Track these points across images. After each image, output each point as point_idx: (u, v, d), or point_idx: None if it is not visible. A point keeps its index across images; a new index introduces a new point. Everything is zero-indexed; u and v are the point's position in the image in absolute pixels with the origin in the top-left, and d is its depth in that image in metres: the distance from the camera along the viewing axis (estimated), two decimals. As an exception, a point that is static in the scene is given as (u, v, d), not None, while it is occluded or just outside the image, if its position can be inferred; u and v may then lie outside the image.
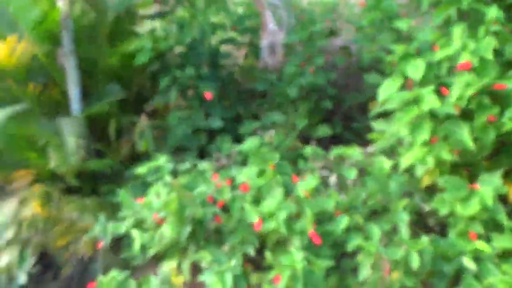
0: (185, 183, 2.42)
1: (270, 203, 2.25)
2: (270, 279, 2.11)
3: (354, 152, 2.53)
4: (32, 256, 2.94)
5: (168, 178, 2.59)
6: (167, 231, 2.44)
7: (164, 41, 2.98)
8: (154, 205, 2.40)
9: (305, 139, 3.43)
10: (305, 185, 2.27)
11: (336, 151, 2.65)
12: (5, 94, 2.88)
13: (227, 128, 3.28)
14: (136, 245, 2.55)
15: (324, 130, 3.31)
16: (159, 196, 2.39)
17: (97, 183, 3.13)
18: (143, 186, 3.02)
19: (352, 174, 2.38)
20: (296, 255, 2.03)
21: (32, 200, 2.85)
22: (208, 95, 3.05)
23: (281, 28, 3.28)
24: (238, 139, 3.33)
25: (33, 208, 2.81)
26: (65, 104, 3.14)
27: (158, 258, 2.86)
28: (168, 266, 2.72)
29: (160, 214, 2.47)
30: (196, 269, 2.83)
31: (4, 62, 2.77)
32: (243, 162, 2.98)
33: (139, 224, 2.72)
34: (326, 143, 3.43)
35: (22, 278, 2.88)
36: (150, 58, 3.25)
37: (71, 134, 2.85)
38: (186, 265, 2.67)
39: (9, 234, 2.75)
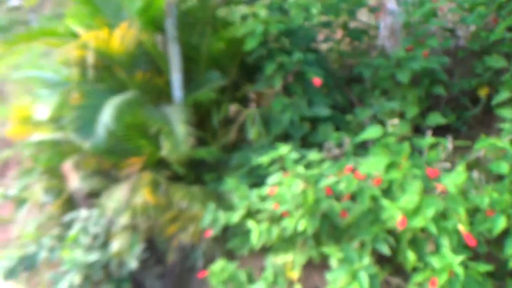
0: (314, 174, 2.27)
1: (411, 198, 2.06)
2: (417, 282, 1.94)
3: (506, 145, 2.20)
4: (141, 242, 2.96)
5: (300, 169, 2.41)
6: (290, 224, 2.32)
7: (274, 25, 2.80)
8: (286, 197, 2.26)
9: (414, 129, 3.17)
10: (452, 179, 2.05)
11: (481, 143, 2.30)
12: (114, 82, 2.84)
13: (329, 117, 3.09)
14: (254, 237, 2.46)
15: (436, 119, 3.03)
16: (289, 188, 2.26)
17: (200, 171, 3.07)
18: (251, 175, 2.93)
19: (503, 167, 2.10)
20: (451, 258, 1.84)
21: (142, 187, 2.83)
22: (317, 81, 2.85)
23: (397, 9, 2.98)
24: (337, 129, 3.14)
25: (144, 195, 2.79)
26: (167, 92, 3.07)
27: (263, 250, 2.77)
28: (281, 260, 2.62)
29: (284, 206, 2.37)
30: (306, 264, 2.71)
31: (115, 50, 2.72)
32: (356, 153, 2.79)
33: (250, 215, 2.63)
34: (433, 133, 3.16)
35: (133, 264, 2.90)
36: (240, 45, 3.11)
37: (179, 122, 2.78)
38: (301, 260, 2.55)
39: (123, 220, 2.75)
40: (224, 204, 2.92)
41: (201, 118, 3.15)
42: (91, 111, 2.61)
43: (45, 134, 3.18)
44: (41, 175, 3.15)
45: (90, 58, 2.59)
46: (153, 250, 3.18)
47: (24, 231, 3.35)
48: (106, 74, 2.87)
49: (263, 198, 2.52)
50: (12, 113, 3.05)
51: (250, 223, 2.47)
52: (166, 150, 2.62)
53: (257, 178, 2.90)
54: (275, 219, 2.46)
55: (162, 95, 3.04)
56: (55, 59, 3.45)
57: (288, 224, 2.32)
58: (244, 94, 3.28)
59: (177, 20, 2.98)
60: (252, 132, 2.79)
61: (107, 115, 2.58)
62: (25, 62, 5.59)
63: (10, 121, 3.10)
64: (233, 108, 3.24)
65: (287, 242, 2.52)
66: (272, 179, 2.45)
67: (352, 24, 3.70)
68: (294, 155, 2.46)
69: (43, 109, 2.67)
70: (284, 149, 2.53)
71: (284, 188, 2.31)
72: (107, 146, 2.55)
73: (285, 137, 3.21)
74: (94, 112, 2.61)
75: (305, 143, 3.13)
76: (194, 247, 3.05)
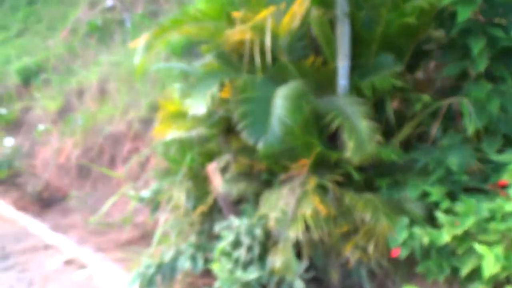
0: None
1: None
2: None
3: None
4: (305, 258, 2.49)
5: None
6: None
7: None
8: None
9: None
10: None
11: None
12: (276, 70, 2.36)
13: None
14: (488, 265, 1.86)
15: None
16: None
17: (370, 175, 2.52)
18: (443, 182, 2.32)
19: None
20: None
21: (310, 194, 2.34)
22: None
23: None
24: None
25: (313, 204, 2.30)
26: (331, 80, 2.55)
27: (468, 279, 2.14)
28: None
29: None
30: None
31: (283, 32, 2.23)
32: None
33: (470, 235, 2.03)
34: None
35: (299, 285, 2.42)
36: (427, 18, 2.49)
37: (359, 116, 2.25)
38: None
39: (291, 233, 2.28)
40: (405, 216, 2.35)
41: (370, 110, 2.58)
42: (259, 105, 2.16)
43: (187, 132, 2.83)
44: (182, 177, 2.80)
45: (268, 41, 2.11)
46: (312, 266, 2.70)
47: (162, 237, 3.05)
48: (263, 61, 2.41)
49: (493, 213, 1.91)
50: (160, 109, 2.70)
51: (479, 247, 1.87)
52: (350, 150, 2.10)
53: (452, 186, 2.29)
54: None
55: (324, 84, 2.53)
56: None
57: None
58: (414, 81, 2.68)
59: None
60: (470, 128, 2.16)
61: (280, 109, 2.11)
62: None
63: (157, 119, 2.79)
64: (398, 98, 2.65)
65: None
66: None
67: None
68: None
69: (199, 104, 2.26)
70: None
71: None
72: (278, 146, 2.07)
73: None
74: (262, 106, 2.15)
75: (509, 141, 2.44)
76: (359, 264, 2.52)
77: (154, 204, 3.03)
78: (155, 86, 5.77)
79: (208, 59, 3.21)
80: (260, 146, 2.04)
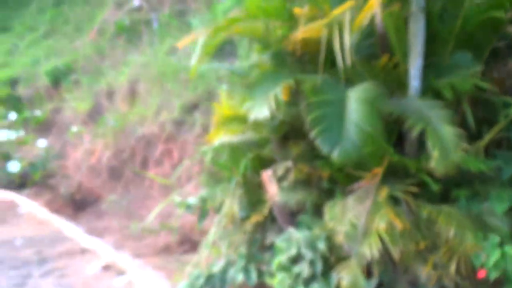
0: None
1: None
2: None
3: None
4: (375, 276, 2.28)
5: None
6: None
7: None
8: None
9: None
10: None
11: None
12: (346, 71, 2.15)
13: None
14: None
15: None
16: None
17: (446, 185, 2.29)
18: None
19: None
20: None
21: (383, 207, 2.13)
22: None
23: None
24: None
25: (387, 217, 2.09)
26: (400, 80, 2.33)
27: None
28: None
29: None
30: None
31: (355, 28, 2.02)
32: None
33: None
34: None
35: (368, 304, 2.22)
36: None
37: (441, 121, 2.03)
38: None
39: (364, 249, 2.08)
40: (491, 232, 2.12)
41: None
42: (332, 110, 1.95)
43: (238, 137, 2.65)
44: (235, 184, 2.62)
45: (346, 39, 1.90)
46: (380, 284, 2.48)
47: (211, 247, 2.88)
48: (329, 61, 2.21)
49: None
50: (216, 113, 2.52)
51: None
52: (434, 159, 1.87)
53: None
54: None
55: (393, 85, 2.30)
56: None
57: None
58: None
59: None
60: None
61: (355, 113, 1.91)
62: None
63: (212, 123, 2.62)
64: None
65: None
66: None
67: None
68: None
69: (261, 107, 2.07)
70: None
71: None
72: (355, 154, 1.86)
73: None
74: (335, 111, 1.95)
75: None
76: (439, 284, 2.29)
77: (203, 212, 2.87)
78: (187, 87, 5.63)
79: (255, 59, 3.04)
80: (335, 154, 1.83)
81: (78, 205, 5.51)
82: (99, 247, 4.33)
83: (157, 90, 5.99)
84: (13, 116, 5.45)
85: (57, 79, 7.47)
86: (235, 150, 2.61)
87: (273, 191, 2.51)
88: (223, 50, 6.15)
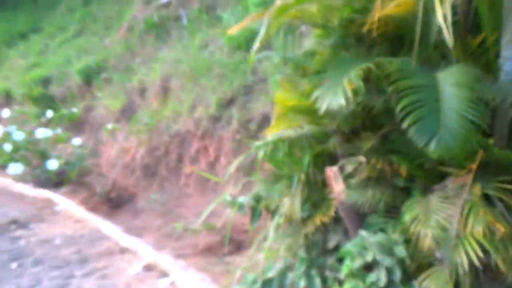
0: None
1: None
2: None
3: None
4: (467, 286, 2.01)
5: None
6: None
7: None
8: None
9: None
10: None
11: None
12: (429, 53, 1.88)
13: None
14: None
15: None
16: None
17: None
18: None
19: None
20: None
21: (478, 208, 1.85)
22: None
23: None
24: None
25: (485, 220, 1.81)
26: (489, 63, 2.04)
27: None
28: None
29: None
30: None
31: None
32: None
33: None
34: None
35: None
36: None
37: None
38: None
39: (458, 254, 1.81)
40: None
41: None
42: (424, 96, 1.68)
43: (300, 130, 2.41)
44: (295, 182, 2.38)
45: (448, 15, 1.62)
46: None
47: (268, 249, 2.66)
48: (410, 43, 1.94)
49: None
50: (277, 105, 2.29)
51: None
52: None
53: None
54: None
55: (480, 68, 2.01)
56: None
57: None
58: None
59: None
60: None
61: (453, 99, 1.63)
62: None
63: (273, 115, 2.40)
64: None
65: None
66: None
67: None
68: None
69: (335, 95, 1.82)
70: None
71: None
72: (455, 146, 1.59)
73: None
74: (428, 97, 1.67)
75: None
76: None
77: (256, 212, 2.65)
78: (222, 82, 5.43)
79: (309, 47, 2.79)
80: (432, 146, 1.57)
81: (114, 203, 5.40)
82: (138, 246, 4.18)
83: (191, 86, 5.82)
84: (49, 114, 5.38)
85: (89, 77, 7.42)
86: (295, 145, 2.37)
87: (339, 190, 2.26)
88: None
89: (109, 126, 5.30)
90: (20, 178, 4.51)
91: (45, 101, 7.51)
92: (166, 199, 5.29)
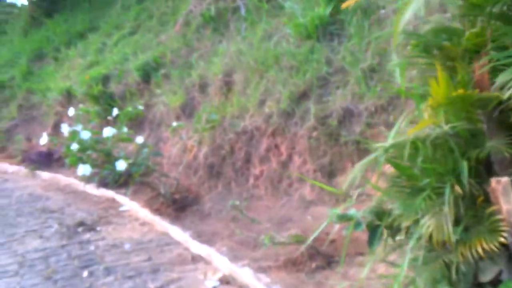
0: None
1: None
2: None
3: None
4: None
5: None
6: None
7: None
8: None
9: None
10: None
11: None
12: None
13: None
14: None
15: None
16: None
17: None
18: None
19: None
20: None
21: None
22: None
23: None
24: None
25: None
26: None
27: None
28: None
29: None
30: None
31: None
32: None
33: None
34: None
35: None
36: None
37: None
38: None
39: None
40: None
41: None
42: None
43: (448, 128, 1.84)
44: (447, 195, 1.82)
45: None
46: None
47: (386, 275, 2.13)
48: None
49: None
50: (433, 95, 1.72)
51: None
52: None
53: None
54: None
55: None
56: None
57: None
58: None
59: None
60: None
61: None
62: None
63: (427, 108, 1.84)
64: None
65: None
66: None
67: None
68: None
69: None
70: None
71: None
72: None
73: None
74: None
75: None
76: None
77: (375, 230, 2.12)
78: (293, 73, 4.92)
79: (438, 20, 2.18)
80: None
81: (179, 205, 5.07)
82: (212, 255, 3.79)
83: (257, 79, 5.35)
84: (115, 112, 5.16)
85: (147, 74, 7.19)
86: (439, 148, 1.81)
87: (509, 208, 1.67)
88: (325, 31, 5.33)
89: (174, 123, 4.96)
90: (86, 179, 4.30)
91: (105, 99, 7.40)
92: (235, 201, 4.88)
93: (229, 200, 4.87)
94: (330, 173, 4.10)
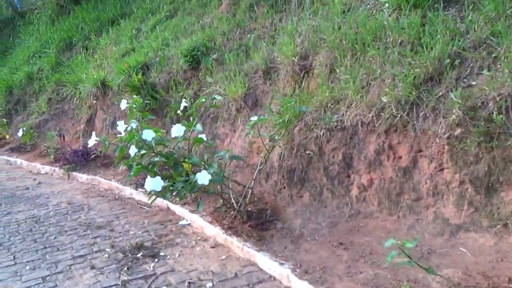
0: None
1: None
2: None
3: None
4: None
5: None
6: None
7: None
8: None
9: None
10: None
11: None
12: None
13: None
14: None
15: None
16: None
17: None
18: None
19: None
20: None
21: None
22: None
23: None
24: None
25: None
26: None
27: None
28: None
29: None
30: None
31: None
32: None
33: None
34: None
35: None
36: None
37: None
38: None
39: None
40: None
41: None
42: None
43: None
44: None
45: None
46: None
47: None
48: None
49: None
50: None
51: None
52: None
53: None
54: None
55: None
56: None
57: None
58: None
59: None
60: None
61: None
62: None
63: None
64: None
65: None
66: None
67: None
68: None
69: None
70: None
71: None
72: None
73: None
74: None
75: None
76: None
77: None
78: (409, 51, 3.59)
79: None
80: None
81: (255, 220, 3.83)
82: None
83: (350, 61, 4.04)
84: (183, 103, 3.89)
85: (195, 60, 5.90)
86: None
87: None
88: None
89: (253, 118, 3.67)
90: (155, 194, 3.04)
91: (147, 89, 6.16)
92: (330, 218, 3.62)
93: (323, 216, 3.60)
94: (489, 187, 2.80)
